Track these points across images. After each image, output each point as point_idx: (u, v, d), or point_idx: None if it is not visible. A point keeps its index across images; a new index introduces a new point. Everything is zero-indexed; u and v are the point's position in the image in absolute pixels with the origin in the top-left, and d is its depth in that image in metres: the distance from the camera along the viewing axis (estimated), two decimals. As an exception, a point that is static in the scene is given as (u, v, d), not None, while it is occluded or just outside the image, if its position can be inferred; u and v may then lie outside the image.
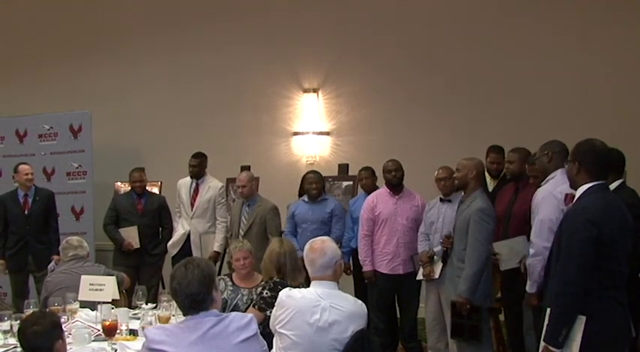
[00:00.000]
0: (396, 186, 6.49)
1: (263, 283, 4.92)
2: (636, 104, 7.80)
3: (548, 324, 3.67)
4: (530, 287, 4.78)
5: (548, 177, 4.88)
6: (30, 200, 7.42)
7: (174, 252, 7.59)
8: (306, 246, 4.00)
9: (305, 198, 7.05)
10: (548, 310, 3.71)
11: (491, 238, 5.41)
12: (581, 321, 3.56)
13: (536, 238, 4.74)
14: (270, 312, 4.05)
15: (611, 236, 3.61)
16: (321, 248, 3.92)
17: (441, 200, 6.11)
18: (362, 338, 3.82)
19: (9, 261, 7.39)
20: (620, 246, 3.67)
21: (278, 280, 4.68)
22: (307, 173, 7.48)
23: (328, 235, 6.29)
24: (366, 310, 3.94)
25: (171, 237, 7.71)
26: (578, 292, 3.57)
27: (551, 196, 4.69)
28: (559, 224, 3.90)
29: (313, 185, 7.08)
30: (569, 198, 4.21)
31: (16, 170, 7.42)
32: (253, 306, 4.70)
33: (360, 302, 3.95)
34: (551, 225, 4.50)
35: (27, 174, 7.37)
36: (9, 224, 7.38)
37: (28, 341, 3.38)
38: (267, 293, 4.63)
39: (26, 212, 7.37)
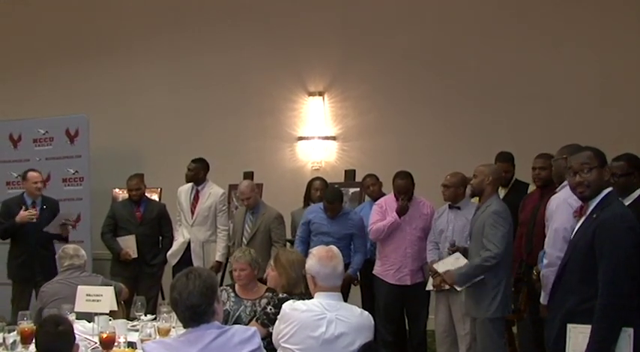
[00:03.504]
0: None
1: (268, 295, 4.77)
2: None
3: (593, 341, 3.46)
4: (544, 299, 4.66)
5: (563, 184, 4.71)
6: (38, 208, 7.22)
7: (174, 261, 7.44)
8: (314, 259, 3.85)
9: (322, 206, 6.78)
10: (571, 326, 3.56)
11: (505, 241, 5.29)
12: (626, 334, 3.41)
13: (550, 248, 4.61)
14: (273, 328, 3.98)
15: None
16: (332, 256, 3.84)
17: (450, 207, 6.03)
18: (369, 351, 3.74)
19: (15, 271, 7.18)
20: None
21: (283, 296, 4.49)
22: (313, 179, 7.45)
23: (346, 249, 6.30)
24: (372, 322, 3.86)
25: (171, 247, 7.55)
26: (627, 304, 3.43)
27: (566, 204, 4.53)
28: (590, 234, 3.65)
29: (319, 192, 7.05)
30: (583, 209, 3.95)
31: (24, 177, 7.25)
32: (256, 320, 4.55)
33: (366, 313, 3.86)
34: (566, 234, 4.36)
35: (36, 183, 7.21)
36: (15, 232, 7.15)
37: (52, 341, 3.36)
38: (271, 309, 4.46)
39: (35, 220, 7.14)
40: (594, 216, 3.61)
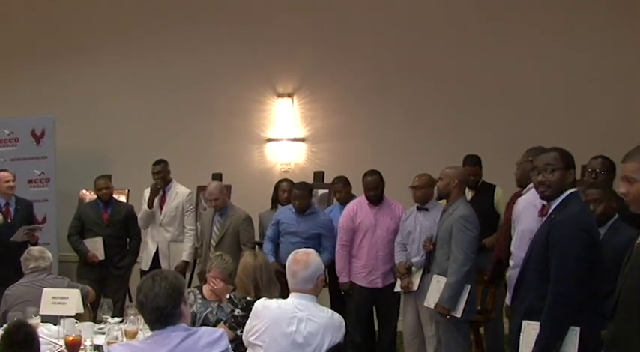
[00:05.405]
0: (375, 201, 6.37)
1: (233, 296, 4.70)
2: (630, 112, 7.58)
3: (539, 338, 3.54)
4: (509, 300, 4.71)
5: (529, 186, 4.77)
6: (12, 209, 7.13)
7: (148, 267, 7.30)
8: (290, 257, 3.94)
9: (292, 207, 6.74)
10: (526, 323, 3.62)
11: (474, 247, 5.37)
12: (573, 332, 3.47)
13: (516, 249, 4.68)
14: (241, 331, 4.01)
15: (597, 244, 3.60)
16: (305, 261, 3.87)
17: (418, 209, 6.02)
18: (338, 352, 3.79)
19: None
20: (601, 255, 3.60)
21: (251, 299, 4.47)
22: (280, 181, 7.42)
23: (316, 250, 6.16)
24: (343, 323, 3.90)
25: (138, 248, 7.54)
26: (574, 303, 3.48)
27: (532, 206, 4.60)
28: (545, 233, 3.74)
29: (286, 194, 7.00)
30: (545, 209, 4.04)
31: None
32: (224, 323, 4.55)
33: (337, 314, 3.92)
34: (532, 236, 4.35)
35: (8, 182, 7.08)
36: None
37: (21, 345, 3.36)
38: (238, 312, 4.48)
39: (9, 221, 7.04)
40: (552, 216, 3.67)
